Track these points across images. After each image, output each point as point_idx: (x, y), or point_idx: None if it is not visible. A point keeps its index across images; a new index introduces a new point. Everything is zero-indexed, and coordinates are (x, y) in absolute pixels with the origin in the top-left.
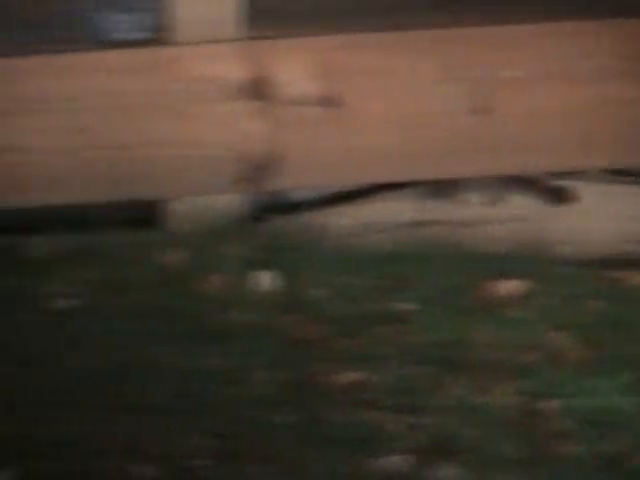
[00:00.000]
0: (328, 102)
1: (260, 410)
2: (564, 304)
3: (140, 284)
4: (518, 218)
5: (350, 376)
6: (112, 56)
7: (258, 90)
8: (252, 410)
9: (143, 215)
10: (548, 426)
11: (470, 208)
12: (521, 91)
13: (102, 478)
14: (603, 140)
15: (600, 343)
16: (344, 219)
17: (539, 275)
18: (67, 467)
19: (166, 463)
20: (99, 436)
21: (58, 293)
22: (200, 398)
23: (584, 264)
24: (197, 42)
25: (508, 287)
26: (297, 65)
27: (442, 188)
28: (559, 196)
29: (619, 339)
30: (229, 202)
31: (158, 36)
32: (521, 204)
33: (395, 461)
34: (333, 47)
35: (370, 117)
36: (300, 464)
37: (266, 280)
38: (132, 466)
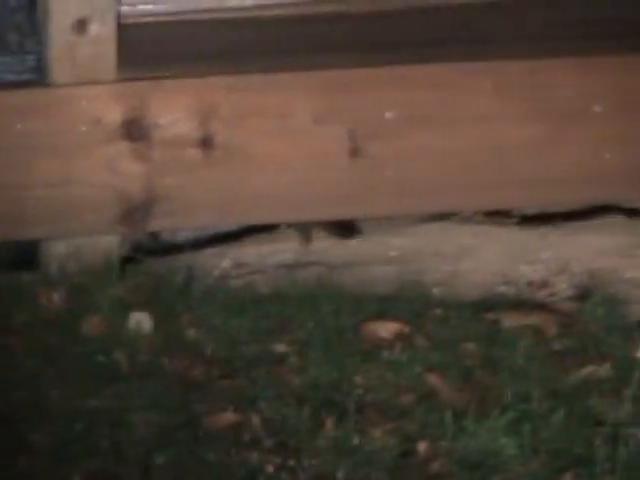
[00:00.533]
0: (206, 143)
1: (142, 451)
2: (442, 346)
3: (21, 325)
4: (397, 260)
5: (230, 417)
6: None
7: (136, 131)
8: (135, 451)
9: (23, 257)
10: (427, 468)
11: (351, 249)
12: (400, 133)
13: None
14: (486, 182)
15: (479, 385)
16: (223, 260)
17: (417, 317)
18: None
19: None
20: None
21: None
22: (84, 440)
23: (462, 306)
24: (75, 84)
25: (387, 329)
26: (175, 106)
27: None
28: (346, 231)
29: (497, 381)
30: (109, 243)
31: (39, 78)
32: (401, 245)
33: None
34: (212, 88)
35: (250, 158)
36: None
37: (146, 321)
38: None
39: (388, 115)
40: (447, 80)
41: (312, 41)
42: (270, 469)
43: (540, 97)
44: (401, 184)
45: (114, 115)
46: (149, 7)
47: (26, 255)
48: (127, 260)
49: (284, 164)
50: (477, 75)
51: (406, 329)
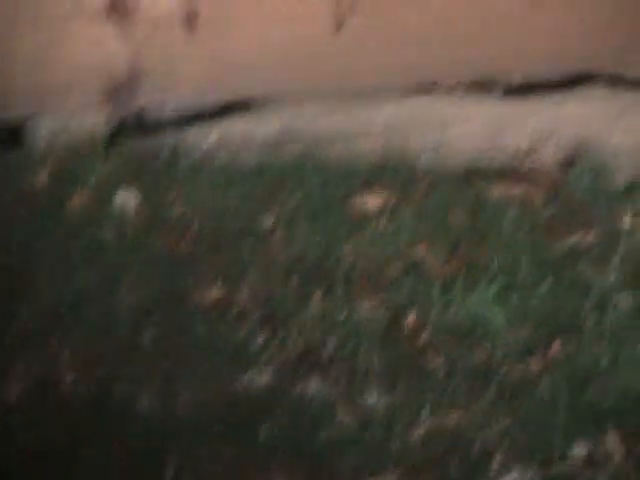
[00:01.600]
0: (189, 18)
1: (129, 326)
2: (429, 216)
3: (7, 202)
4: (383, 132)
5: (218, 291)
6: None
7: (117, 10)
8: (121, 326)
9: (9, 134)
10: (414, 339)
11: (336, 122)
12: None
13: None
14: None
15: (466, 255)
16: (209, 136)
17: (404, 188)
18: None
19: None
20: None
21: None
22: (73, 314)
23: (448, 177)
24: None
25: (373, 200)
26: None
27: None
28: None
29: (484, 251)
30: (95, 121)
31: None
32: (386, 117)
33: (263, 374)
34: None
35: (233, 32)
36: (167, 380)
37: (132, 198)
38: None
39: None
40: None
41: None
42: (259, 341)
43: None
44: (385, 56)
45: None
46: None
47: (12, 134)
48: (113, 138)
49: (267, 37)
50: None
51: (392, 200)
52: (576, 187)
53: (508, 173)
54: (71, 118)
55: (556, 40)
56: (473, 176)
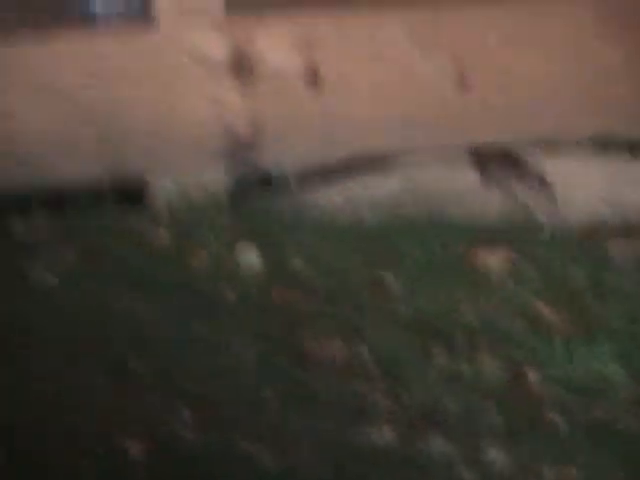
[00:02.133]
0: (310, 76)
1: (249, 379)
2: (549, 273)
3: (132, 262)
4: (501, 189)
5: (337, 345)
6: (102, 37)
7: (240, 66)
8: (243, 382)
9: (132, 193)
10: (535, 395)
11: (455, 180)
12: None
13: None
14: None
15: (585, 312)
16: (332, 195)
17: (524, 244)
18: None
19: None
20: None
21: (50, 267)
22: (189, 367)
23: (567, 233)
24: (181, 19)
25: (493, 256)
26: (278, 40)
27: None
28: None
29: (604, 308)
30: (215, 179)
31: (146, 15)
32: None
33: (384, 432)
34: (314, 22)
35: (354, 90)
36: (288, 435)
37: (254, 255)
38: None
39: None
40: None
41: None
42: (380, 399)
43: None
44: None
45: (220, 51)
46: None
47: (134, 194)
48: (234, 196)
49: (389, 94)
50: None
51: (514, 256)
52: None
53: (629, 230)
54: (191, 176)
55: None
56: (594, 233)
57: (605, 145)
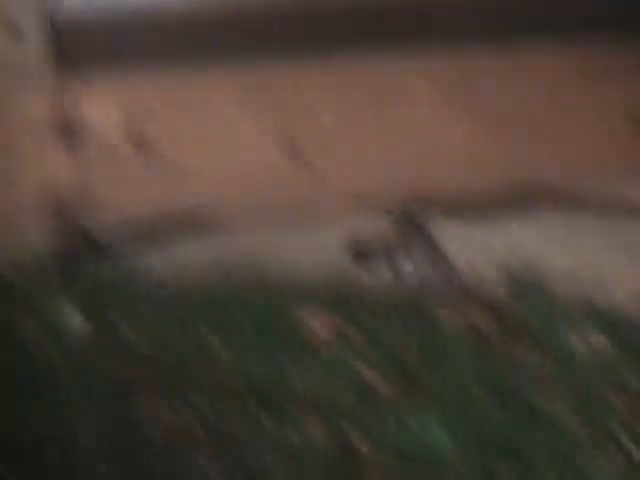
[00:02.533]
0: (138, 142)
1: (85, 460)
2: (377, 342)
3: None
4: (330, 252)
5: (165, 413)
6: None
7: (69, 130)
8: (81, 461)
9: None
10: (364, 465)
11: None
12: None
13: None
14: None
15: (415, 381)
16: (157, 258)
17: (353, 310)
18: None
19: None
20: None
21: None
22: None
23: (398, 301)
24: (10, 85)
25: (322, 325)
26: (108, 106)
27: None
28: None
29: (434, 377)
30: (43, 244)
31: None
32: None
33: None
34: (143, 88)
35: (183, 156)
36: None
37: (80, 320)
38: None
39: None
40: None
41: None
42: (206, 465)
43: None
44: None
45: (47, 114)
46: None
47: None
48: (61, 260)
49: (221, 162)
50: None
51: (343, 325)
52: (525, 311)
53: (460, 298)
54: (18, 241)
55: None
56: (422, 302)
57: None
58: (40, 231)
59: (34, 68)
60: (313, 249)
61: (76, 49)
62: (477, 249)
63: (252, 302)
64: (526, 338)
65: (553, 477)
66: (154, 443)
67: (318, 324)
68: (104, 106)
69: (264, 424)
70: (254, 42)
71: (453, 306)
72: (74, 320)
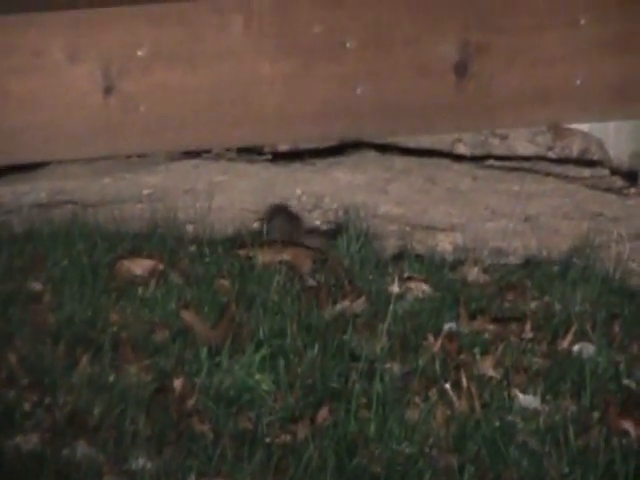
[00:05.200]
0: None
1: None
2: (197, 282)
3: None
4: (150, 197)
5: None
6: None
7: None
8: None
9: None
10: (182, 404)
11: (104, 187)
12: (151, 70)
13: None
14: (235, 118)
15: (233, 321)
16: None
17: (172, 254)
18: None
19: None
20: None
21: None
22: None
23: (216, 242)
24: None
25: (141, 266)
26: None
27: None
28: None
29: (251, 317)
30: None
31: None
32: (154, 183)
33: (30, 439)
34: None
35: (4, 98)
36: None
37: None
38: None
39: (140, 53)
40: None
41: None
42: (26, 406)
43: (290, 32)
44: (153, 121)
45: None
46: None
47: None
48: None
49: (39, 102)
50: (226, 11)
51: (160, 266)
52: (344, 254)
53: (276, 240)
54: None
55: (324, 106)
56: (240, 242)
57: (251, 154)
58: None
59: None
60: (129, 188)
61: None
62: (298, 192)
63: (73, 245)
64: (343, 280)
65: (374, 423)
66: None
67: (137, 267)
68: None
69: (83, 365)
70: None
71: (271, 248)
72: None
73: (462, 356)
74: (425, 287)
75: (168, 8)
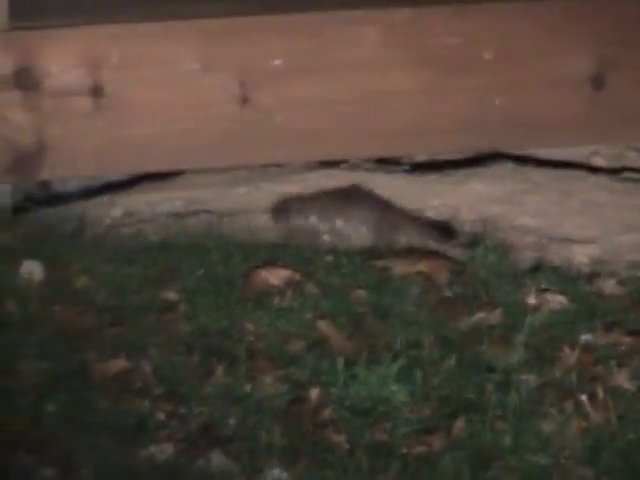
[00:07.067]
0: (95, 92)
1: (33, 399)
2: (332, 293)
3: None
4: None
5: (121, 364)
6: None
7: (24, 80)
8: (26, 399)
9: None
10: (318, 415)
11: (240, 197)
12: (287, 81)
13: None
14: (373, 129)
15: (369, 332)
16: (114, 209)
17: (307, 264)
18: None
19: None
20: None
21: None
22: None
23: (352, 253)
24: None
25: (277, 276)
26: (64, 55)
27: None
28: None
29: (387, 328)
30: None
31: None
32: (290, 193)
33: (165, 449)
34: (100, 37)
35: (138, 107)
36: (71, 452)
37: (37, 270)
38: None
39: (275, 63)
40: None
41: None
42: (161, 416)
43: (425, 44)
44: (288, 132)
45: (4, 64)
46: None
47: None
48: (18, 210)
49: (172, 112)
50: (358, 23)
51: (296, 276)
52: (481, 265)
53: (412, 250)
54: None
55: (461, 118)
56: (377, 253)
57: (389, 164)
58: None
59: None
60: (264, 198)
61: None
62: (436, 203)
63: (208, 255)
64: (480, 292)
65: (509, 434)
66: (103, 384)
67: (273, 277)
68: (65, 56)
69: (218, 376)
70: None
71: (407, 258)
72: (30, 270)
73: (598, 368)
74: (561, 299)
75: (296, 18)
